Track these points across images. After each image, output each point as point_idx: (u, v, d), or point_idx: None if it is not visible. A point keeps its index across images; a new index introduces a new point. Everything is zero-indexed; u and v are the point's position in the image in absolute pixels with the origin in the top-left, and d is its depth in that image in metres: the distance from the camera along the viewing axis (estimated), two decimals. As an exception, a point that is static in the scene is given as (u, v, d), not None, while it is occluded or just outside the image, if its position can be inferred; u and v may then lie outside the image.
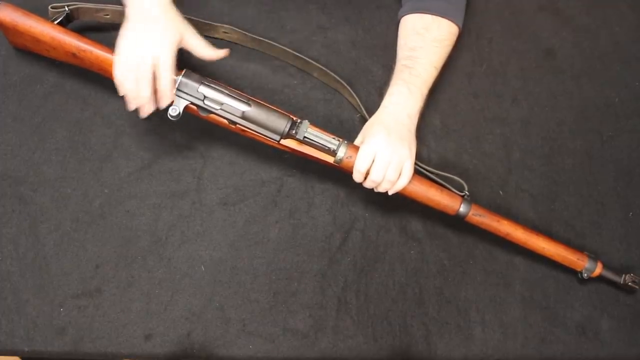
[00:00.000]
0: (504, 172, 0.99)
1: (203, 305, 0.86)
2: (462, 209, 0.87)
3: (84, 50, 0.83)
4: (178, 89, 0.81)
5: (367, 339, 0.88)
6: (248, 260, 0.89)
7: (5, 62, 0.93)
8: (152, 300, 0.86)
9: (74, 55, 0.85)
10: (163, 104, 0.81)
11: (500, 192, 0.97)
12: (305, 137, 0.83)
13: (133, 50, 0.77)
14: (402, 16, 0.94)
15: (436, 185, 0.88)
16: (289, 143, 0.84)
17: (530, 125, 1.02)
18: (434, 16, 0.91)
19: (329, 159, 0.85)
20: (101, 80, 0.93)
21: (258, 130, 0.83)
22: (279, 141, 0.83)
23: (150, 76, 0.77)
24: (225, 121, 0.83)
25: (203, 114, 0.83)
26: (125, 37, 0.78)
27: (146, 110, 0.80)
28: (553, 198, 0.98)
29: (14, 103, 0.92)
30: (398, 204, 0.93)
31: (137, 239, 0.88)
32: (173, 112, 0.81)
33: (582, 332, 0.93)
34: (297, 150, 0.85)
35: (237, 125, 0.83)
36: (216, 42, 0.98)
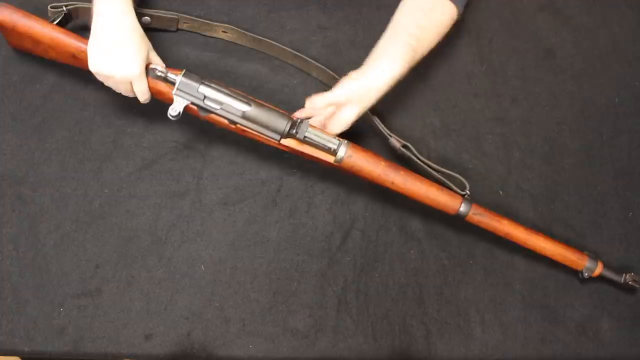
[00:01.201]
0: (504, 172, 0.98)
1: (203, 305, 0.86)
2: (463, 208, 0.87)
3: (83, 51, 0.83)
4: (178, 89, 0.81)
5: (367, 339, 0.88)
6: (248, 260, 0.89)
7: (5, 62, 0.93)
8: (152, 300, 0.86)
9: (73, 56, 0.85)
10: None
11: (500, 192, 0.97)
12: (305, 136, 0.83)
13: (109, 71, 0.80)
14: None
15: (437, 185, 0.87)
16: (289, 143, 0.84)
17: (530, 125, 1.02)
18: None
19: (330, 159, 0.85)
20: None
21: (259, 130, 0.83)
22: (279, 141, 0.83)
23: (129, 88, 0.83)
24: (226, 121, 0.83)
25: (203, 114, 0.83)
26: (98, 55, 0.80)
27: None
28: (553, 198, 0.98)
29: (14, 103, 0.92)
30: (398, 204, 0.93)
31: (137, 238, 0.88)
32: (173, 112, 0.81)
33: (582, 332, 0.93)
34: (297, 150, 0.85)
35: (238, 125, 0.83)
36: (215, 42, 0.98)
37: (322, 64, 0.96)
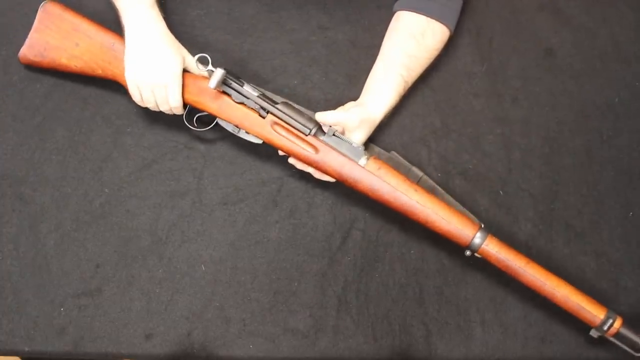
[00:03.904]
0: (504, 171, 0.98)
1: (203, 305, 0.86)
2: (477, 238, 0.83)
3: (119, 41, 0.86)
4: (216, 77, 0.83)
5: (367, 339, 0.88)
6: (248, 260, 0.89)
7: (5, 61, 0.93)
8: (152, 299, 0.86)
9: (111, 47, 0.87)
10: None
11: (500, 192, 0.97)
12: (334, 134, 0.84)
13: (148, 74, 0.82)
14: (398, 10, 0.94)
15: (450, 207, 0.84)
16: (312, 140, 0.84)
17: (530, 125, 1.02)
18: (429, 19, 0.90)
19: (352, 165, 0.84)
20: (101, 80, 0.93)
21: (291, 120, 0.84)
22: (307, 134, 0.84)
23: (164, 95, 0.84)
24: (256, 113, 0.84)
25: (237, 99, 0.85)
26: (135, 62, 0.82)
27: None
28: (553, 198, 0.98)
29: (14, 103, 0.92)
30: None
31: (138, 238, 0.88)
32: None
33: (582, 332, 0.92)
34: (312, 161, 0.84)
35: (270, 114, 0.84)
36: (216, 42, 0.98)
37: (322, 64, 0.96)
